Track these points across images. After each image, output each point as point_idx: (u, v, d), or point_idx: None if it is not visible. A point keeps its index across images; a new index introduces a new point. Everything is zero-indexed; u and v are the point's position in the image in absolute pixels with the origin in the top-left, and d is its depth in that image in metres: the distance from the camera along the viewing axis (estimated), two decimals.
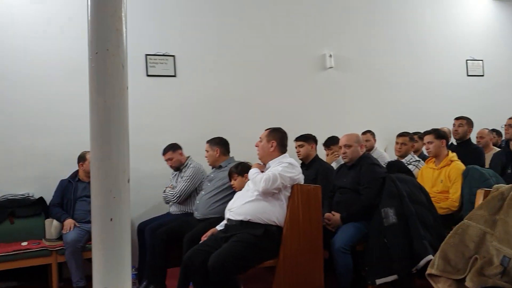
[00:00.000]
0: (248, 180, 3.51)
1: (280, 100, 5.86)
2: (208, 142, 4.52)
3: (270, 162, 3.40)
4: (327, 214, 3.74)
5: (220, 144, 4.50)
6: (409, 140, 4.96)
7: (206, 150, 4.49)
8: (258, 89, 5.76)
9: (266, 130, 3.54)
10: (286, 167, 3.25)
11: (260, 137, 3.53)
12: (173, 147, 4.72)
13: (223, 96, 5.55)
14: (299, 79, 6.00)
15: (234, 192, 3.72)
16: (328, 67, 6.13)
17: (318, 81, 6.10)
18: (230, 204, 3.43)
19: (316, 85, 6.09)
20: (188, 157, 4.78)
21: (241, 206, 3.26)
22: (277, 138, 3.44)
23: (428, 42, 6.77)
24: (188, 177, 4.53)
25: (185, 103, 5.38)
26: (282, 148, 3.46)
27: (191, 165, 4.64)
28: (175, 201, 4.51)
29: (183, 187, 4.49)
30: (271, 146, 3.42)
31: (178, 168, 4.70)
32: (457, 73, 6.95)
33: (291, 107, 5.90)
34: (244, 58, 5.71)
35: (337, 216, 3.69)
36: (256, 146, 3.52)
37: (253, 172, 3.34)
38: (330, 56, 6.10)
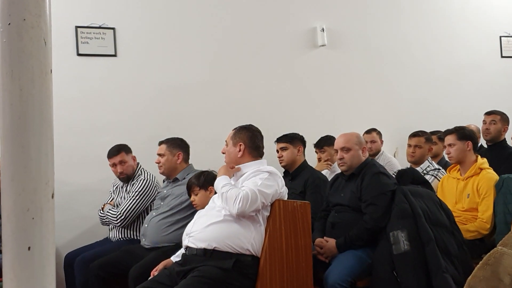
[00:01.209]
0: (214, 194, 3.50)
1: (256, 89, 5.88)
2: (164, 143, 4.51)
3: (243, 169, 3.40)
4: (318, 240, 3.76)
5: (182, 148, 4.50)
6: (425, 141, 5.04)
7: (160, 154, 4.47)
8: (227, 75, 5.78)
9: (233, 130, 3.55)
10: (267, 179, 3.25)
11: (226, 140, 3.54)
12: (126, 148, 4.71)
13: (180, 84, 5.56)
14: (282, 61, 6.04)
15: (195, 212, 3.71)
16: (320, 45, 6.18)
17: (307, 63, 6.15)
18: (190, 227, 3.41)
19: (304, 69, 6.13)
20: (138, 165, 4.78)
21: (204, 230, 3.25)
22: (245, 139, 3.45)
23: (450, 13, 6.91)
24: (137, 192, 4.52)
25: (128, 92, 5.36)
26: (254, 151, 3.47)
27: (142, 177, 4.63)
28: (117, 223, 4.48)
29: (130, 205, 4.48)
30: (239, 151, 3.43)
31: (128, 178, 4.70)
32: (488, 53, 7.11)
33: (272, 98, 5.94)
34: (209, 34, 5.72)
35: (331, 242, 3.71)
36: (223, 152, 3.53)
37: (222, 184, 3.33)
38: (323, 30, 6.15)
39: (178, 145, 4.48)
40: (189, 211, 4.12)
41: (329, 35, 6.20)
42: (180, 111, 5.53)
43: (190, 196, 3.93)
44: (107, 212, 4.54)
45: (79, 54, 5.19)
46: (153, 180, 4.62)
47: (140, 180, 4.59)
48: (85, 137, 5.12)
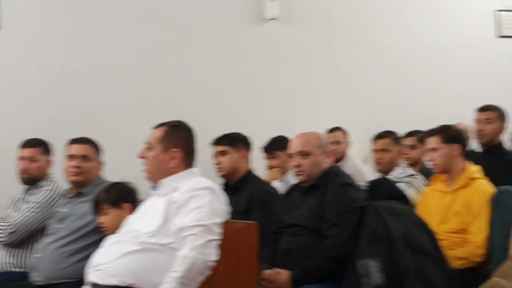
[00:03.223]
0: (128, 214, 3.45)
1: (186, 77, 5.90)
2: (78, 142, 4.46)
3: (174, 183, 3.35)
4: (267, 272, 3.75)
5: (98, 151, 4.51)
6: (393, 143, 5.11)
7: (70, 157, 4.41)
8: (148, 59, 5.79)
9: (157, 127, 3.48)
10: (211, 201, 3.20)
11: (148, 142, 3.46)
12: (46, 147, 4.74)
13: (84, 69, 5.53)
14: (220, 40, 6.05)
15: (104, 237, 3.65)
16: (270, 18, 6.21)
17: (253, 42, 6.17)
18: (97, 258, 3.35)
19: (249, 50, 6.15)
20: (49, 174, 4.77)
21: (117, 261, 3.20)
22: (181, 144, 3.40)
23: None
24: (37, 203, 4.49)
25: (15, 76, 5.32)
26: (189, 158, 3.42)
27: (48, 187, 4.61)
28: (5, 239, 4.41)
29: (25, 216, 4.43)
30: (173, 159, 3.38)
31: (32, 181, 4.67)
32: (481, 31, 7.27)
33: (207, 88, 5.95)
34: (124, 7, 5.72)
35: (284, 275, 3.69)
36: (142, 157, 3.47)
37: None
38: None
39: (95, 148, 4.51)
40: (96, 236, 4.04)
41: (282, 6, 6.24)
42: (84, 104, 5.50)
43: (97, 216, 3.87)
44: None
45: None
46: (59, 193, 4.60)
47: (45, 190, 4.57)
48: None
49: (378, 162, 5.09)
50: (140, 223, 3.29)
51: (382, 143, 5.10)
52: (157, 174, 3.39)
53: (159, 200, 3.31)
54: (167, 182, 3.35)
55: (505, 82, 7.18)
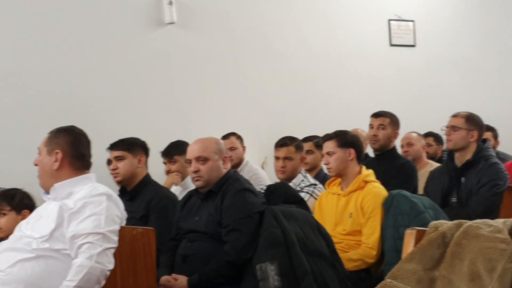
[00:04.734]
0: (26, 218, 3.37)
1: (81, 81, 5.81)
2: None
3: (65, 188, 3.28)
4: (165, 278, 3.73)
5: None
6: (295, 151, 5.15)
7: None
8: (40, 63, 5.67)
9: (48, 133, 3.42)
10: (108, 207, 3.15)
11: (39, 148, 3.39)
12: None
13: None
14: (116, 44, 6.00)
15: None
16: (168, 23, 6.20)
17: (150, 47, 6.13)
18: None
19: (146, 54, 6.11)
20: None
21: (9, 270, 3.11)
22: (64, 145, 3.33)
23: None
24: None
25: None
26: (77, 161, 3.34)
27: None
28: None
29: None
30: (55, 161, 3.32)
31: None
32: (375, 40, 7.48)
33: (103, 92, 5.87)
34: (10, 6, 5.58)
35: (182, 280, 3.68)
36: (36, 164, 3.38)
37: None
38: (170, 3, 6.17)
39: None
40: None
41: (180, 10, 6.22)
42: None
43: None
44: None
45: None
46: None
47: None
48: None
49: (281, 171, 5.03)
50: (32, 228, 3.21)
51: (285, 151, 5.04)
52: (45, 178, 3.33)
53: (51, 205, 3.25)
54: (60, 187, 3.29)
55: (397, 89, 7.41)
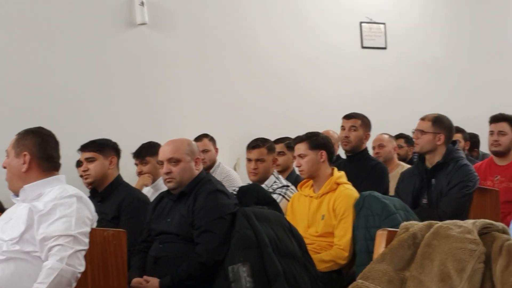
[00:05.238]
0: None
1: (50, 82, 5.77)
2: None
3: (35, 190, 3.25)
4: (136, 280, 3.71)
5: None
6: (268, 153, 5.15)
7: None
8: (9, 64, 5.64)
9: (16, 135, 3.39)
10: (78, 209, 3.14)
11: (7, 150, 3.37)
12: None
13: None
14: (86, 45, 5.96)
15: None
16: (139, 24, 6.18)
17: (121, 47, 6.11)
18: None
19: (117, 55, 6.08)
20: None
21: None
22: (32, 146, 3.31)
23: None
24: None
25: None
26: (45, 163, 3.32)
27: None
28: None
29: None
30: (23, 163, 3.28)
31: None
32: (346, 43, 7.52)
33: (72, 93, 5.84)
34: None
35: (154, 282, 3.68)
36: (4, 167, 3.35)
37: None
38: (142, 4, 6.16)
39: None
40: None
41: (151, 11, 6.20)
42: None
43: None
44: None
45: None
46: None
47: None
48: None
49: (253, 173, 5.02)
50: (2, 231, 3.20)
51: (257, 153, 5.03)
52: (14, 181, 3.31)
53: (21, 207, 3.23)
54: (29, 188, 3.27)
55: (369, 91, 7.46)
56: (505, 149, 5.10)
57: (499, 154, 5.16)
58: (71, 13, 5.87)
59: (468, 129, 6.68)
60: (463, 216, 4.25)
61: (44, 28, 5.76)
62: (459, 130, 6.39)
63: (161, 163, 3.98)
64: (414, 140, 4.83)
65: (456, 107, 7.39)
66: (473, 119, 6.96)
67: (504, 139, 5.08)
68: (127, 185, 4.64)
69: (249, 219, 3.67)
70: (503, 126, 5.09)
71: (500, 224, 2.26)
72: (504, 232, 2.23)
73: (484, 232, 2.23)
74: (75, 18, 5.90)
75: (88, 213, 3.21)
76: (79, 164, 4.66)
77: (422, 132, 4.63)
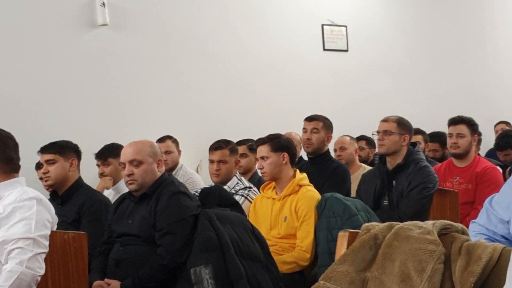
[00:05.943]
0: None
1: (8, 84, 5.72)
2: None
3: None
4: (97, 283, 3.69)
5: None
6: (230, 154, 5.14)
7: None
8: None
9: None
10: (38, 212, 3.10)
11: None
12: None
13: None
14: (49, 45, 5.91)
15: None
16: (100, 25, 6.14)
17: (82, 49, 6.07)
18: None
19: (78, 56, 6.04)
20: None
21: None
22: None
23: None
24: None
25: None
26: (5, 165, 3.27)
27: None
28: None
29: None
30: None
31: None
32: (308, 45, 7.58)
33: (30, 95, 5.79)
34: None
35: (115, 285, 3.65)
36: None
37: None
38: (103, 5, 6.12)
39: None
40: None
41: (112, 12, 6.17)
42: None
43: None
44: None
45: None
46: None
47: None
48: None
49: (215, 174, 5.01)
50: None
51: (219, 154, 5.02)
52: None
53: None
54: None
55: (331, 93, 7.51)
56: (464, 151, 5.16)
57: (458, 156, 5.23)
58: (31, 13, 5.81)
59: (428, 131, 6.74)
60: (423, 217, 4.30)
61: (3, 29, 5.69)
62: (420, 132, 6.47)
63: (123, 165, 3.94)
64: (378, 141, 4.84)
65: (417, 109, 7.50)
66: (433, 121, 7.02)
67: (462, 141, 5.15)
68: (87, 188, 4.60)
69: (212, 221, 3.66)
70: (462, 128, 5.16)
71: (459, 225, 2.30)
72: (463, 233, 2.27)
73: (443, 233, 2.26)
74: (36, 18, 5.84)
75: (48, 216, 3.18)
76: (39, 166, 4.60)
77: (388, 133, 4.67)
